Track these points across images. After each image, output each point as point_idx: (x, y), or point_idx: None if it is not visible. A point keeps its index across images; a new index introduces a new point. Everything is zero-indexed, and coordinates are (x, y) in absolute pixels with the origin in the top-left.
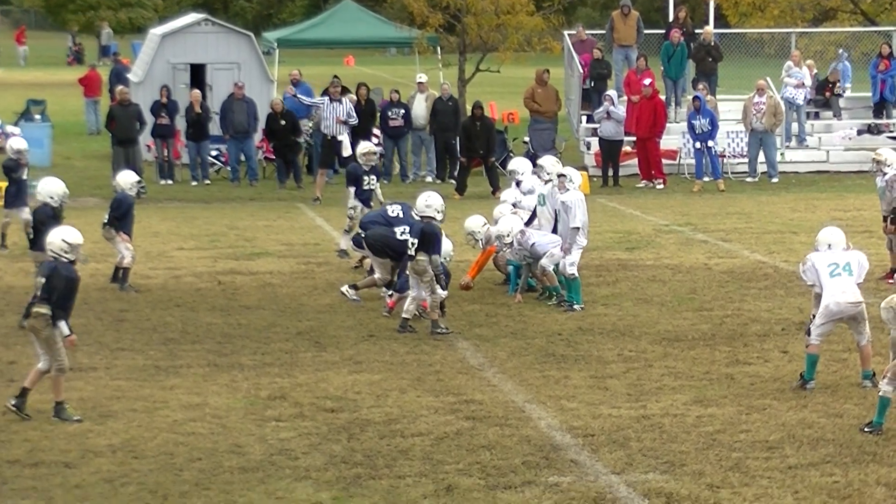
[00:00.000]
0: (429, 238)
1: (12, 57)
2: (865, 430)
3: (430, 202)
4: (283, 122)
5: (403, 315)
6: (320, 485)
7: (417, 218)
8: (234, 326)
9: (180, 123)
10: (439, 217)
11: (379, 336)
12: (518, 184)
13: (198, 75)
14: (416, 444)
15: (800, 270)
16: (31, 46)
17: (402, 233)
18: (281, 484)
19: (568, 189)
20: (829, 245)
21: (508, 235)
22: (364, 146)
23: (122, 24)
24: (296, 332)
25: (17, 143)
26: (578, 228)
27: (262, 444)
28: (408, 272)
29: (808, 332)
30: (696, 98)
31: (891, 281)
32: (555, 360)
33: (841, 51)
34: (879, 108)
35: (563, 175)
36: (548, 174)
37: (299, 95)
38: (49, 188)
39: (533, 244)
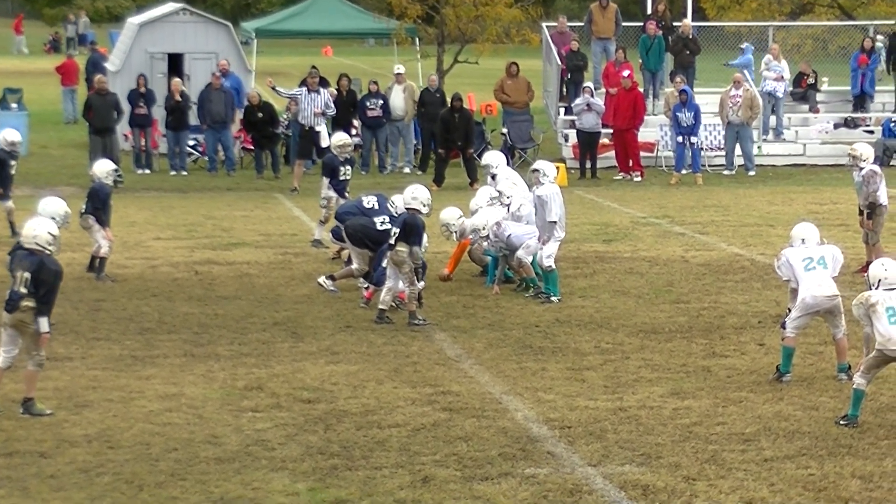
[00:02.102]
0: (411, 228)
1: (6, 46)
2: (841, 422)
3: (416, 195)
4: (260, 115)
5: (380, 306)
6: (297, 475)
7: (395, 209)
8: (210, 316)
9: (158, 113)
10: (425, 210)
11: (356, 327)
12: (493, 177)
13: (175, 65)
14: (392, 435)
15: (775, 266)
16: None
17: (382, 223)
18: (257, 474)
19: (543, 183)
20: (803, 240)
21: (484, 228)
22: (339, 137)
23: (100, 12)
24: (273, 322)
25: (11, 135)
26: (555, 222)
27: (239, 435)
28: (385, 263)
29: (784, 326)
30: (682, 91)
31: (866, 274)
32: (532, 352)
33: (746, 45)
34: (860, 101)
35: (537, 170)
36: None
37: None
38: (51, 209)
39: (509, 236)
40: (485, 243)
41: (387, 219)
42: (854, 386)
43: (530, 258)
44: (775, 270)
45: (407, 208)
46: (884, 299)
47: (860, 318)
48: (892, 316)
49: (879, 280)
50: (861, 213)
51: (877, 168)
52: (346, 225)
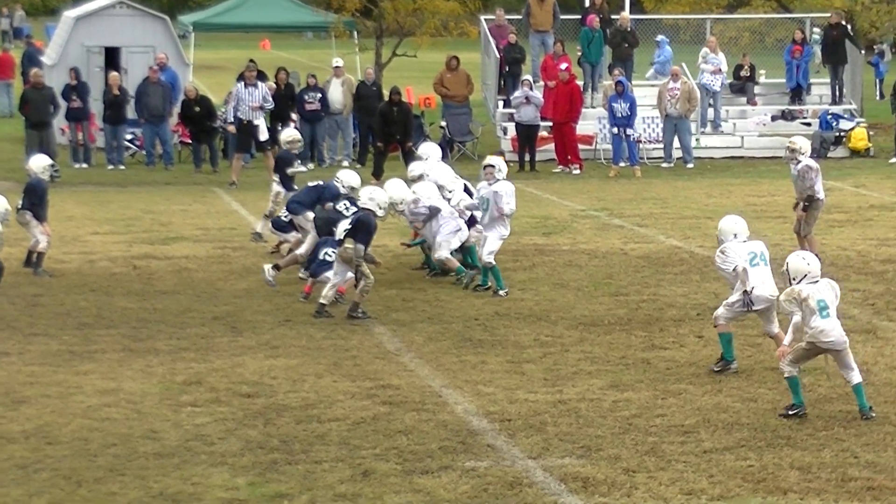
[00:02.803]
0: (363, 227)
1: None
2: (789, 413)
3: (374, 196)
4: (197, 108)
5: (321, 300)
6: (236, 470)
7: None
8: (149, 311)
9: (95, 107)
10: (380, 213)
11: (295, 321)
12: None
13: (112, 59)
14: (332, 429)
15: (718, 262)
16: None
17: (346, 208)
18: (197, 469)
19: (497, 179)
20: (735, 234)
21: (402, 203)
22: (289, 133)
23: (36, 5)
24: (212, 316)
25: None
26: (508, 216)
27: (178, 430)
28: (323, 256)
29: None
30: (619, 82)
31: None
32: (472, 345)
33: (660, 37)
34: (796, 93)
35: (491, 165)
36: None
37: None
38: None
39: (424, 216)
40: (405, 218)
41: (349, 204)
42: (786, 375)
43: (446, 253)
44: (718, 266)
45: (362, 207)
46: (813, 293)
47: (790, 312)
48: (823, 309)
49: (805, 274)
50: (797, 204)
51: (812, 163)
52: (315, 216)
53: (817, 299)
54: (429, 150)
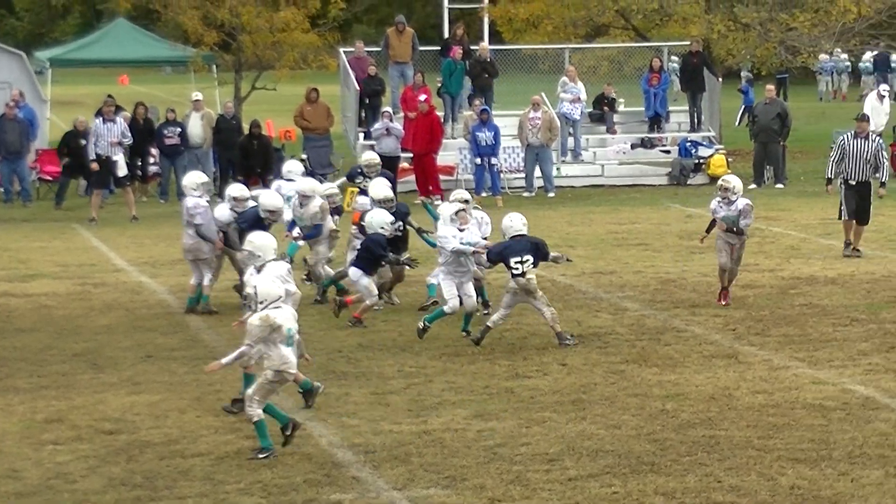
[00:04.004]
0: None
1: None
2: (259, 456)
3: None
4: (83, 141)
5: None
6: None
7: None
8: (8, 349)
9: None
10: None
11: (157, 356)
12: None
13: None
14: (196, 464)
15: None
16: None
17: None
18: None
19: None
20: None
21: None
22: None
23: None
24: (72, 353)
25: None
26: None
27: (39, 468)
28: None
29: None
30: (483, 110)
31: (723, 301)
32: (335, 377)
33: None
34: (655, 121)
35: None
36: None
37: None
38: None
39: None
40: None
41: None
42: (254, 420)
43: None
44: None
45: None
46: (284, 320)
47: (257, 341)
48: (289, 338)
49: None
50: (709, 230)
51: (749, 201)
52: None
53: (287, 327)
54: (294, 167)
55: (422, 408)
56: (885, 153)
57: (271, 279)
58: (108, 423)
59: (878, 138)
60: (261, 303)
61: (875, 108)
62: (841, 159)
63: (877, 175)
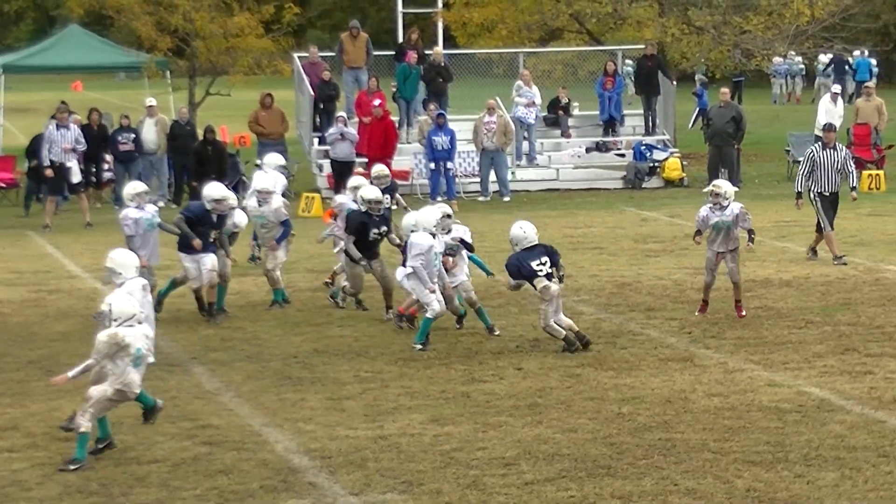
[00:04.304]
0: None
1: None
2: (69, 467)
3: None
4: None
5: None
6: None
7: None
8: None
9: None
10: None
11: None
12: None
13: None
14: (152, 471)
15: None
16: None
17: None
18: None
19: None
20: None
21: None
22: (378, 169)
23: None
24: (27, 360)
25: None
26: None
27: None
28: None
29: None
30: (440, 115)
31: (700, 312)
32: (291, 383)
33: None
34: (609, 125)
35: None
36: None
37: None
38: None
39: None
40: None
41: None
42: (80, 430)
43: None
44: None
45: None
46: (134, 339)
47: (103, 357)
48: (137, 359)
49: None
50: (695, 236)
51: (743, 205)
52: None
53: (136, 347)
54: (270, 160)
55: (378, 413)
56: (851, 162)
57: (127, 297)
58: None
59: (844, 148)
60: (114, 320)
61: (829, 111)
62: (811, 171)
63: (848, 182)
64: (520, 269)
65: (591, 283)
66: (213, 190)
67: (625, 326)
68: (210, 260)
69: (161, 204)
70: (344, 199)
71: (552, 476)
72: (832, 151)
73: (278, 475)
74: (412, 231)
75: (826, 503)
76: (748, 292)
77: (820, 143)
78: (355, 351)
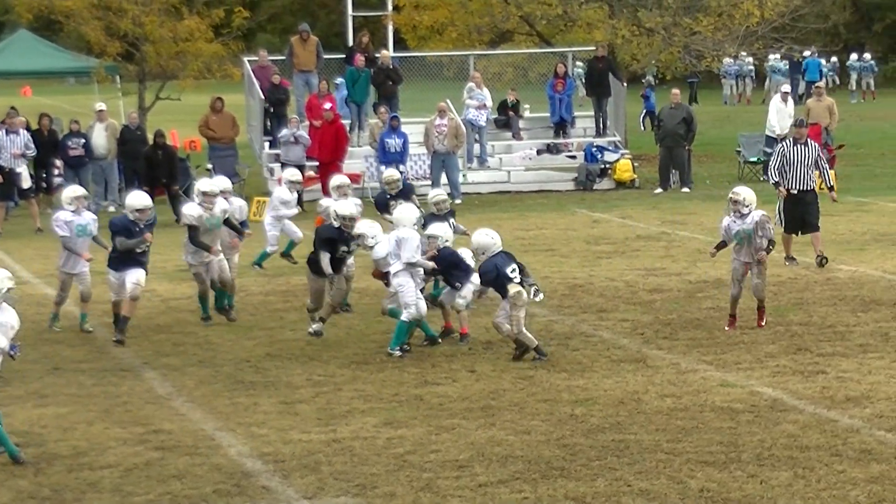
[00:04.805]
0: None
1: None
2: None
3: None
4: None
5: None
6: None
7: None
8: None
9: None
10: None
11: (65, 369)
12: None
13: None
14: (104, 476)
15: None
16: None
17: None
18: None
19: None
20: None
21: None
22: (389, 174)
23: None
24: None
25: None
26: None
27: None
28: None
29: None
30: (394, 117)
31: (730, 328)
32: (244, 387)
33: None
34: (560, 127)
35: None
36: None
37: None
38: None
39: None
40: None
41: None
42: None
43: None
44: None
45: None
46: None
47: None
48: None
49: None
50: (718, 248)
51: (764, 212)
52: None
53: None
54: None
55: (331, 416)
56: (824, 161)
57: None
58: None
59: (816, 145)
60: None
61: (780, 111)
62: (782, 166)
63: (824, 181)
64: (498, 275)
65: (543, 285)
66: (136, 199)
67: (577, 328)
68: (135, 274)
69: (112, 209)
70: (330, 202)
71: (506, 478)
72: (804, 147)
73: (231, 479)
74: (400, 227)
75: (779, 503)
76: (699, 293)
77: (791, 138)
78: (308, 355)
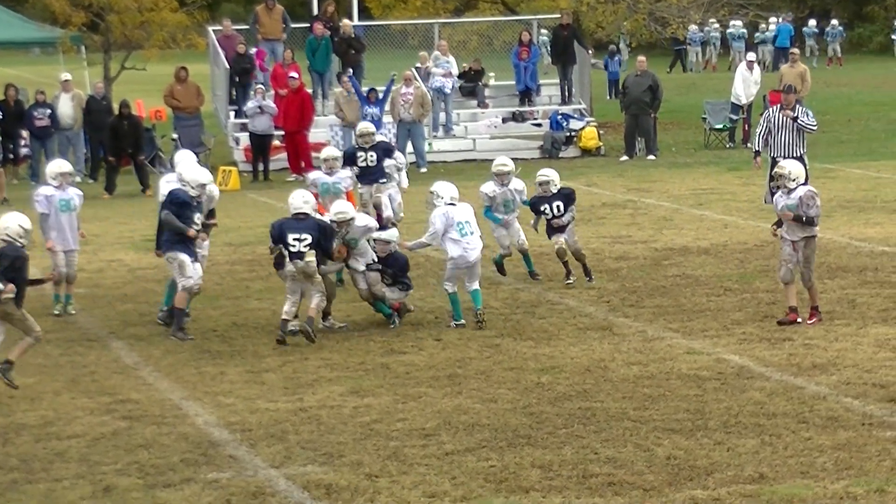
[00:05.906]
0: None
1: None
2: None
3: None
4: None
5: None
6: None
7: None
8: None
9: None
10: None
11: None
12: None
13: None
14: (72, 446)
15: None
16: None
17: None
18: None
19: (436, 205)
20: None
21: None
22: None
23: None
24: None
25: None
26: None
27: None
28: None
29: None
30: (372, 90)
31: (812, 321)
32: (210, 357)
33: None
34: (525, 95)
35: (432, 191)
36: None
37: None
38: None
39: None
40: None
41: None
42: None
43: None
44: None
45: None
46: None
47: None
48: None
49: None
50: (778, 225)
51: (811, 188)
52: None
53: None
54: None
55: (297, 385)
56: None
57: None
58: None
59: (804, 110)
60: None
61: (745, 79)
62: (768, 134)
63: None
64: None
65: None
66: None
67: (543, 296)
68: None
69: (77, 179)
70: (317, 175)
71: (472, 446)
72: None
73: (198, 449)
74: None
75: (746, 469)
76: (665, 260)
77: (777, 106)
78: (274, 324)
